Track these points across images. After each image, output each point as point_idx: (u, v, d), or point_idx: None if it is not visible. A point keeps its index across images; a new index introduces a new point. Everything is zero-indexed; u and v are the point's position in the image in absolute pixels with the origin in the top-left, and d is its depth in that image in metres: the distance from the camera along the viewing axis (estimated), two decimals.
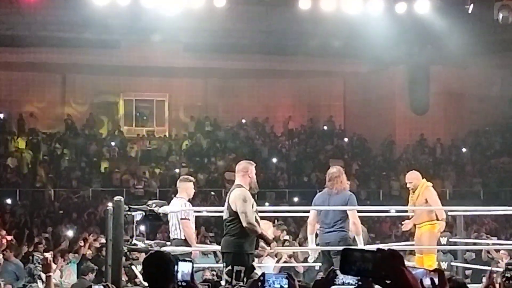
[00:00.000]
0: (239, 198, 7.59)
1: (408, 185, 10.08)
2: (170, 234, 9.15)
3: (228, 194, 7.83)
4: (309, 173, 25.19)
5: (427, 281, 3.04)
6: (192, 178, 9.61)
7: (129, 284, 10.35)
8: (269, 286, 4.30)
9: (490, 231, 17.64)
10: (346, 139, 29.29)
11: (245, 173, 7.78)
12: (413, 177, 10.10)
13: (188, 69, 26.94)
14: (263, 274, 4.35)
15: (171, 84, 28.55)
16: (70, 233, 17.34)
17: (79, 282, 9.78)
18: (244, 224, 7.48)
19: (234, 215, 7.58)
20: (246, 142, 28.19)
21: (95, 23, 23.92)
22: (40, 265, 6.89)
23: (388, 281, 2.10)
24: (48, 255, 6.42)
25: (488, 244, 13.17)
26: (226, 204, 7.74)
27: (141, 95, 29.16)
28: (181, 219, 9.01)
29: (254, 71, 27.85)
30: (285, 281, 4.23)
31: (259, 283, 4.37)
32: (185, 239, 9.00)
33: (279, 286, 4.26)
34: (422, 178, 10.14)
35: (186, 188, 9.31)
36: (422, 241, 9.79)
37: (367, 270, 2.13)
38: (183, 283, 4.17)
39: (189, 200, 9.29)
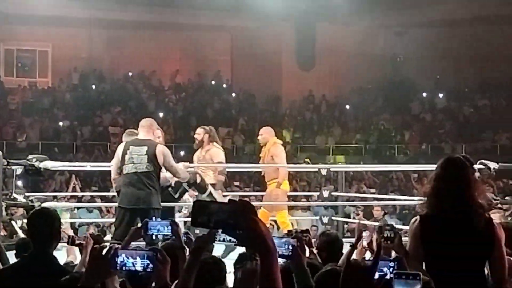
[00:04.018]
0: (167, 152, 7.89)
1: (258, 137, 10.16)
2: None
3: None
4: (195, 128, 25.16)
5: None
6: (136, 131, 9.37)
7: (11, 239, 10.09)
8: (152, 233, 4.32)
9: (370, 186, 18.24)
10: (233, 94, 29.40)
11: (150, 129, 7.95)
12: (264, 131, 10.12)
13: (73, 19, 26.19)
14: (146, 222, 4.35)
15: (54, 34, 27.69)
16: None
17: None
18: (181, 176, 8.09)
19: (158, 168, 7.76)
20: (133, 95, 27.83)
21: None
22: None
23: (240, 232, 2.11)
24: None
25: (372, 199, 13.64)
26: (145, 157, 7.71)
27: (23, 44, 28.16)
28: None
29: (141, 23, 27.38)
30: (169, 227, 4.26)
31: (142, 231, 4.37)
32: None
33: (162, 233, 4.29)
34: (275, 136, 10.20)
35: None
36: (271, 197, 9.93)
37: (223, 221, 2.12)
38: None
39: None
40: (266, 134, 10.05)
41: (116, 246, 2.86)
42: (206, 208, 2.17)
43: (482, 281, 3.98)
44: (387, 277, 2.71)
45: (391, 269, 2.99)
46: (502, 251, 4.00)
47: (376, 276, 2.44)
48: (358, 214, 13.16)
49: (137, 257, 2.79)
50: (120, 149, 7.91)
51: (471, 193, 4.00)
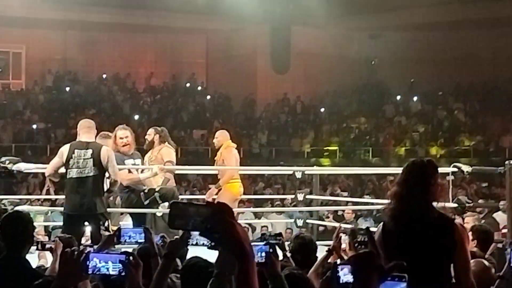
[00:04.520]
0: (112, 155, 7.79)
1: (214, 140, 10.19)
2: None
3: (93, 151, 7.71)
4: (170, 130, 25.13)
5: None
6: (111, 134, 9.17)
7: None
8: (125, 240, 4.29)
9: (345, 189, 18.30)
10: (208, 97, 29.37)
11: (92, 131, 7.99)
12: (219, 135, 10.14)
13: (47, 20, 26.00)
14: (119, 229, 4.31)
15: (28, 35, 27.48)
16: None
17: None
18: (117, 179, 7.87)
19: (103, 172, 7.68)
20: (107, 98, 27.69)
21: None
22: None
23: (217, 235, 2.09)
24: None
25: (346, 202, 13.66)
26: (90, 160, 7.62)
27: None
28: None
29: (115, 25, 27.29)
30: (142, 235, 4.23)
31: (115, 238, 4.34)
32: None
33: (135, 240, 4.25)
34: (230, 139, 10.22)
35: (106, 144, 9.08)
36: (220, 199, 9.94)
37: (200, 224, 2.10)
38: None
39: None
40: (220, 137, 10.10)
41: (88, 249, 2.84)
42: (183, 210, 2.13)
43: (447, 285, 3.97)
44: None
45: None
46: (464, 254, 3.98)
47: (345, 279, 2.44)
48: (328, 217, 13.15)
49: (110, 261, 2.76)
50: (65, 151, 7.76)
51: (431, 197, 4.00)
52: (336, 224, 11.27)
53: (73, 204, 7.62)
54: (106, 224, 7.48)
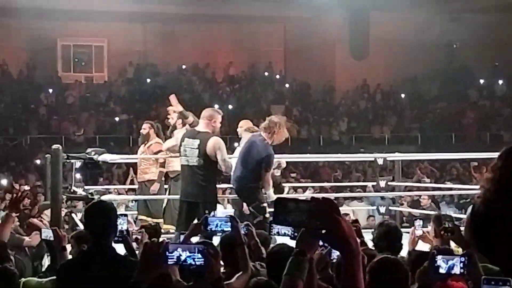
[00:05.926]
0: (219, 145, 7.68)
1: (238, 130, 9.98)
2: None
3: (195, 140, 7.75)
4: (250, 119, 25.23)
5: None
6: (257, 128, 9.32)
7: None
8: (212, 229, 4.31)
9: (427, 175, 17.99)
10: (287, 85, 29.33)
11: (209, 121, 7.82)
12: (244, 124, 10.00)
13: (127, 13, 26.46)
14: (205, 218, 4.35)
15: (110, 29, 28.01)
16: (4, 182, 16.94)
17: None
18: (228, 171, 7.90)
19: (210, 162, 7.64)
20: (187, 88, 27.98)
21: None
22: None
23: (323, 231, 2.06)
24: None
25: (432, 188, 13.46)
26: (196, 150, 7.67)
27: (79, 40, 28.57)
28: None
29: (194, 16, 27.51)
30: (228, 223, 4.24)
31: (202, 226, 4.38)
32: None
33: (221, 229, 4.27)
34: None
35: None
36: None
37: (302, 220, 2.09)
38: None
39: None
40: (245, 127, 9.99)
41: (167, 241, 2.87)
42: (283, 206, 2.13)
43: None
44: (457, 271, 2.66)
45: (461, 264, 2.95)
46: None
47: (443, 270, 2.39)
48: (402, 204, 12.94)
49: (188, 251, 2.78)
50: (179, 137, 8.06)
51: None
52: (412, 210, 11.14)
53: (183, 192, 7.88)
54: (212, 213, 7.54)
